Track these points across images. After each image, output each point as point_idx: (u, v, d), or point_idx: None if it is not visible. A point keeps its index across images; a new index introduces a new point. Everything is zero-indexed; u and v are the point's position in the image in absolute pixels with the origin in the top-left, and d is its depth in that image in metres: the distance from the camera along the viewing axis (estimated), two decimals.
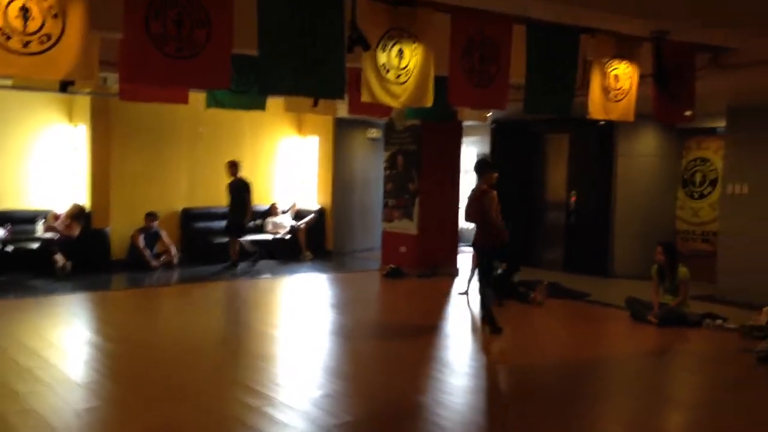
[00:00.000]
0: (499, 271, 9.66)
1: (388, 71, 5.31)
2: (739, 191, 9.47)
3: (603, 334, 8.04)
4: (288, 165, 13.77)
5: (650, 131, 11.10)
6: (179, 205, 12.27)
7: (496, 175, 7.75)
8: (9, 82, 8.34)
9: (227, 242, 11.71)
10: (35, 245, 10.54)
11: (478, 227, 7.72)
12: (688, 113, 6.90)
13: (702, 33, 5.64)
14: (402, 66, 5.36)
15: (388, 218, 11.73)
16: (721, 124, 10.12)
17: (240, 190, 11.51)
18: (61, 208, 11.27)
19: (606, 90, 6.30)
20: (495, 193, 7.59)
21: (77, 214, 11.02)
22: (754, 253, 8.99)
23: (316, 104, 7.55)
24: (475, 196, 7.64)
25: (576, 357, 6.82)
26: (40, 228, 10.81)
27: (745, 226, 9.32)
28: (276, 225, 12.95)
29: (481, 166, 7.83)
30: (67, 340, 7.07)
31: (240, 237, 11.71)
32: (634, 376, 6.39)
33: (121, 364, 6.27)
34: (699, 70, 6.96)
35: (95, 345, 6.79)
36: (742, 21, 5.38)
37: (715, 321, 7.87)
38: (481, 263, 7.85)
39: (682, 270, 8.07)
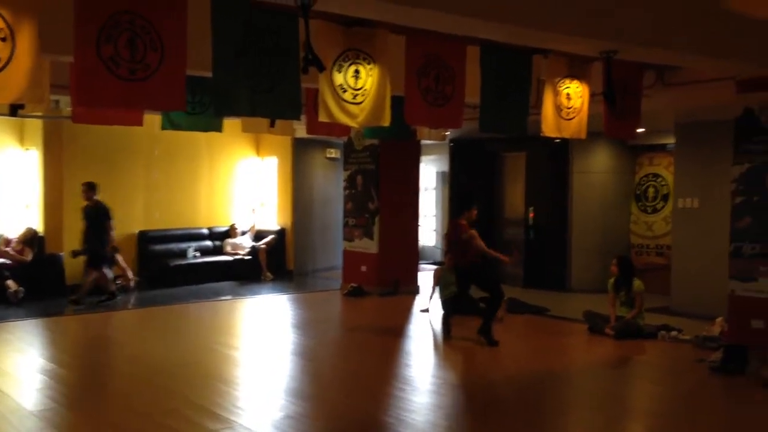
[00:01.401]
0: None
1: (344, 91, 5.35)
2: (690, 205, 9.72)
3: (562, 347, 8.14)
4: (247, 186, 13.69)
5: (604, 148, 11.35)
6: (135, 228, 12.09)
7: (475, 211, 8.01)
8: None
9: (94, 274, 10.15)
10: None
11: (456, 252, 8.07)
12: (638, 130, 7.10)
13: (648, 52, 5.81)
14: (358, 86, 5.40)
15: (348, 237, 11.73)
16: (670, 140, 10.40)
17: (98, 215, 10.05)
18: (13, 233, 10.99)
19: (558, 108, 6.43)
20: (474, 232, 7.91)
21: (30, 238, 10.77)
22: (706, 265, 9.22)
23: (273, 125, 7.54)
24: (455, 230, 8.00)
25: (536, 371, 6.89)
26: None
27: (696, 239, 9.56)
28: (235, 246, 12.85)
29: (464, 201, 8.10)
30: (20, 367, 6.86)
31: (100, 267, 10.14)
32: (594, 388, 6.49)
33: (77, 392, 6.12)
34: (646, 88, 7.18)
35: (50, 372, 6.61)
36: (684, 42, 5.57)
37: (670, 332, 8.04)
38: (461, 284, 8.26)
39: (637, 283, 8.24)
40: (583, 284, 11.23)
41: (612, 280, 8.38)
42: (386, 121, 5.62)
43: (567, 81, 6.44)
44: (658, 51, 5.66)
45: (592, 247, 11.35)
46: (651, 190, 11.30)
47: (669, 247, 10.48)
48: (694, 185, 9.65)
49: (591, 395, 6.28)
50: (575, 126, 6.58)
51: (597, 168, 11.49)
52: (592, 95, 6.62)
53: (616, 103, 6.27)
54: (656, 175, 11.25)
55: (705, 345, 7.44)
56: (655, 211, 11.25)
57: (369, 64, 5.44)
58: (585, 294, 10.75)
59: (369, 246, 11.31)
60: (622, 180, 11.54)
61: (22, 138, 11.49)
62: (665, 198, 11.04)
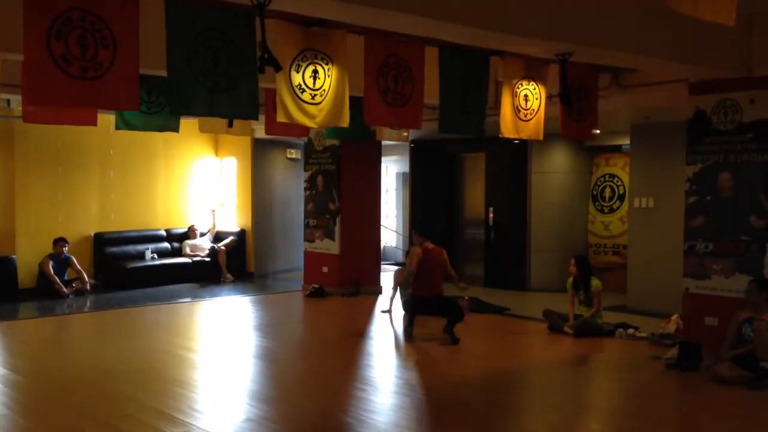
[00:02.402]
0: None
1: (303, 92, 5.32)
2: (645, 205, 9.91)
3: (522, 346, 8.23)
4: (205, 186, 13.52)
5: (562, 149, 11.50)
6: (91, 230, 11.85)
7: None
8: None
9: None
10: None
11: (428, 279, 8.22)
12: (594, 131, 7.20)
13: (603, 54, 5.91)
14: (317, 87, 5.37)
15: (309, 238, 11.67)
16: (626, 141, 10.59)
17: None
18: None
19: (516, 110, 6.50)
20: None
21: None
22: (661, 263, 9.41)
23: (231, 125, 7.47)
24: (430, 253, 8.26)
25: (497, 369, 6.94)
26: None
27: (652, 238, 9.75)
28: (194, 247, 12.68)
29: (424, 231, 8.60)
30: None
31: None
32: (553, 385, 6.56)
33: (32, 398, 5.95)
34: (602, 89, 7.30)
35: (2, 378, 6.42)
36: (637, 45, 5.68)
37: (627, 330, 8.17)
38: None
39: (595, 282, 8.36)
40: (542, 283, 11.37)
41: (570, 280, 8.48)
42: (345, 122, 5.61)
43: (524, 82, 6.51)
44: (613, 53, 5.77)
45: (550, 246, 11.49)
46: (608, 190, 11.49)
47: (626, 247, 10.66)
48: (649, 185, 9.84)
49: (550, 393, 6.35)
50: (533, 127, 6.66)
51: (555, 168, 11.64)
52: (549, 97, 6.71)
53: (572, 104, 6.36)
54: (612, 176, 11.45)
55: (661, 342, 7.59)
56: (611, 210, 11.44)
57: (327, 64, 5.42)
58: (544, 293, 10.88)
59: (330, 247, 11.27)
60: (580, 180, 11.71)
61: None
62: (621, 198, 11.24)
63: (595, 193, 11.63)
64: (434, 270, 8.17)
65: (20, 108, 7.96)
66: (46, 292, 10.65)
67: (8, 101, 9.05)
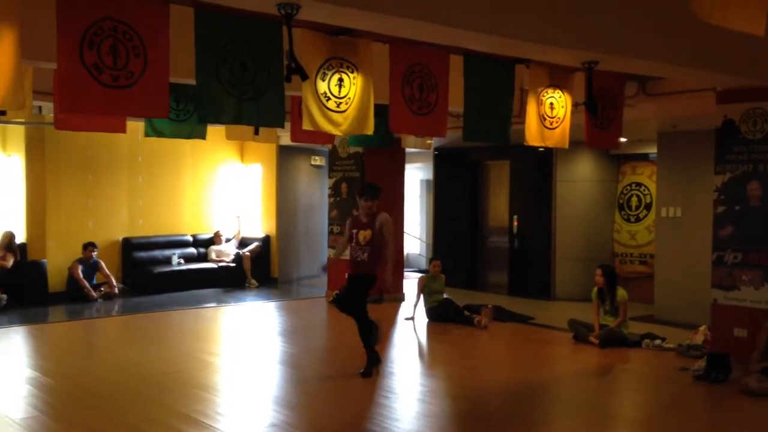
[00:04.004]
0: (445, 296, 9.76)
1: (328, 100, 5.36)
2: (672, 214, 9.81)
3: (547, 355, 8.16)
4: (231, 192, 13.65)
5: (587, 157, 11.43)
6: (119, 235, 12.02)
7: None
8: None
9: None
10: None
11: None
12: (619, 140, 7.15)
13: (629, 63, 5.87)
14: (342, 95, 5.41)
15: (333, 245, 11.71)
16: (653, 149, 10.50)
17: None
18: None
19: (542, 118, 6.48)
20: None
21: (9, 243, 10.63)
22: (689, 273, 9.30)
23: (257, 132, 7.54)
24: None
25: (521, 379, 6.90)
26: None
27: (679, 248, 9.65)
28: (220, 253, 12.80)
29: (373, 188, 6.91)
30: (2, 375, 6.79)
31: None
32: (578, 396, 6.50)
33: (61, 400, 6.05)
34: (628, 98, 7.25)
35: (33, 380, 6.54)
36: (664, 53, 5.64)
37: (654, 341, 8.08)
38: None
39: (621, 292, 8.28)
40: (567, 293, 11.29)
41: (595, 289, 8.41)
42: (370, 130, 5.64)
43: (550, 90, 6.49)
44: (639, 62, 5.73)
45: (575, 255, 11.40)
46: (634, 199, 11.38)
47: (652, 256, 10.55)
48: (677, 194, 9.74)
49: (575, 404, 6.30)
50: (558, 135, 6.63)
51: (580, 177, 11.56)
52: (574, 105, 6.68)
53: (597, 113, 6.33)
54: (639, 184, 11.34)
55: (688, 353, 7.49)
56: (638, 220, 11.33)
57: (352, 72, 5.46)
58: (569, 302, 10.81)
59: None
60: (606, 189, 11.62)
61: (4, 143, 11.41)
62: (648, 207, 11.12)
63: (621, 201, 11.53)
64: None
65: (52, 115, 8.13)
66: (75, 296, 10.82)
67: (40, 108, 9.23)
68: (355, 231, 6.67)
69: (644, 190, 11.24)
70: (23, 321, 9.38)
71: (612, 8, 5.26)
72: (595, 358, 7.78)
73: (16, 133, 11.08)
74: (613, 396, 6.68)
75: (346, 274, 6.85)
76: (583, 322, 8.49)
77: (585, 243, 11.44)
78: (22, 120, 9.69)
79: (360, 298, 6.67)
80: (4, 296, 10.01)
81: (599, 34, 5.26)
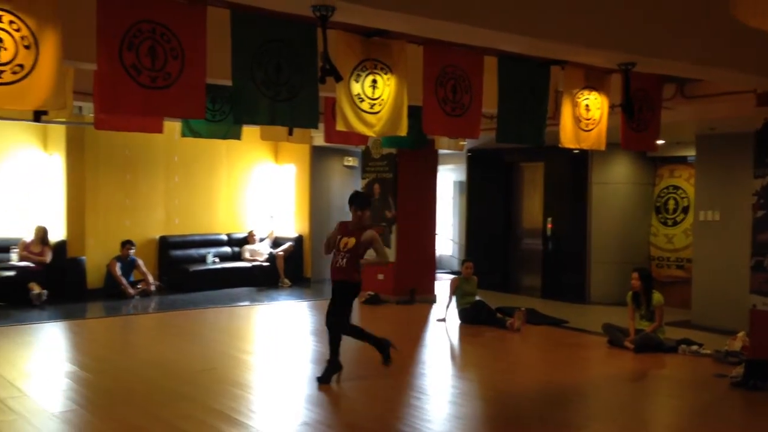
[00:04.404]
0: (477, 298, 9.72)
1: (362, 101, 5.38)
2: (710, 218, 9.63)
3: (580, 360, 8.07)
4: (265, 192, 13.77)
5: (624, 159, 11.28)
6: (156, 233, 12.21)
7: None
8: None
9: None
10: (10, 273, 10.38)
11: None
12: (656, 142, 7.05)
13: (667, 65, 5.78)
14: (375, 96, 5.43)
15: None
16: (691, 152, 10.32)
17: None
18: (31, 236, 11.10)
19: (577, 119, 6.42)
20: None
21: (43, 236, 10.85)
22: (728, 278, 9.12)
23: (291, 133, 7.61)
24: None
25: (554, 382, 6.84)
26: (15, 257, 10.67)
27: (717, 252, 9.46)
28: (254, 252, 12.93)
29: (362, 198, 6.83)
30: (42, 369, 6.96)
31: None
32: (612, 401, 6.42)
33: (98, 394, 6.18)
34: (666, 100, 7.14)
35: (71, 374, 6.69)
36: (703, 55, 5.54)
37: (691, 347, 7.94)
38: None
39: (657, 296, 8.16)
40: (602, 296, 11.15)
41: (630, 293, 8.29)
42: (403, 131, 5.65)
43: (585, 92, 6.43)
44: (676, 64, 5.64)
45: (611, 258, 11.26)
46: (671, 202, 11.20)
47: (689, 261, 10.37)
48: (715, 198, 9.56)
49: (608, 408, 6.22)
50: (594, 137, 6.56)
51: (616, 179, 11.41)
52: (611, 107, 6.60)
53: (634, 115, 6.24)
54: (677, 187, 11.16)
55: (726, 360, 7.35)
56: (675, 223, 11.15)
57: (386, 74, 5.47)
58: (604, 306, 10.68)
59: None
60: (642, 191, 11.45)
61: (46, 143, 11.67)
62: (686, 210, 10.94)
63: (658, 204, 11.36)
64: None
65: (92, 115, 8.30)
66: (112, 293, 11.04)
67: (80, 108, 9.41)
68: (339, 237, 6.55)
69: (682, 193, 11.06)
70: (63, 316, 9.59)
71: (649, 9, 5.19)
72: (630, 363, 7.67)
73: (58, 132, 11.33)
74: (648, 401, 6.58)
75: (331, 281, 6.70)
76: (618, 327, 8.38)
77: (621, 246, 11.29)
78: (63, 120, 9.91)
79: (344, 309, 6.56)
80: (45, 292, 10.25)
81: (636, 36, 5.18)
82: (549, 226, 11.94)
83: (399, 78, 5.52)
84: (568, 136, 6.41)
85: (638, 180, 11.46)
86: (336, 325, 6.56)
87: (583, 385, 6.94)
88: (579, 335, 9.09)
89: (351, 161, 13.90)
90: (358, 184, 12.43)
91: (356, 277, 6.52)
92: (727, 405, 6.25)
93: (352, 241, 6.46)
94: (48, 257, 10.77)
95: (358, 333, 6.77)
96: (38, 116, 6.19)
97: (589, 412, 6.18)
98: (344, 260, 6.46)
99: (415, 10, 4.18)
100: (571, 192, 11.70)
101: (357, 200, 6.65)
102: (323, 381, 6.45)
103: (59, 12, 4.12)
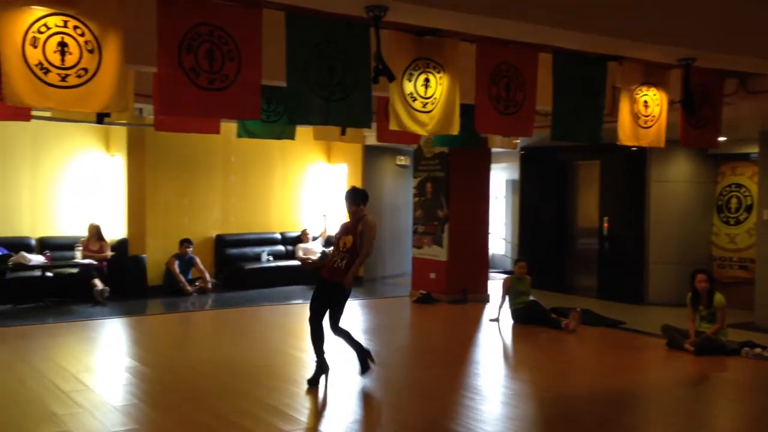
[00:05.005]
0: (531, 298, 9.62)
1: (414, 100, 5.38)
2: None
3: (638, 362, 7.89)
4: (318, 192, 13.91)
5: (683, 157, 10.99)
6: (213, 232, 12.47)
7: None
8: (47, 113, 8.65)
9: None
10: (74, 270, 10.77)
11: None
12: (717, 139, 6.84)
13: (729, 59, 5.60)
14: (428, 95, 5.43)
15: (417, 244, 11.75)
16: (754, 149, 9.98)
17: None
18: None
19: (636, 116, 6.27)
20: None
21: (98, 233, 11.10)
22: None
23: (344, 133, 7.66)
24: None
25: (611, 385, 6.72)
26: (78, 254, 11.05)
27: None
28: (307, 251, 13.06)
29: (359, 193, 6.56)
30: (104, 364, 7.20)
31: None
32: (672, 405, 6.26)
33: (157, 388, 6.36)
34: (728, 95, 6.92)
35: (132, 369, 6.89)
36: (765, 49, 5.35)
37: (754, 349, 7.69)
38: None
39: (718, 297, 7.91)
40: (660, 297, 10.88)
41: (690, 294, 8.06)
42: (455, 130, 5.62)
43: (644, 88, 6.28)
44: (738, 58, 5.46)
45: (670, 258, 10.98)
46: (734, 200, 10.85)
47: (753, 261, 10.04)
48: None
49: (667, 412, 6.07)
50: (653, 134, 6.41)
51: (676, 177, 11.12)
52: (670, 103, 6.43)
53: (694, 111, 6.07)
54: (739, 185, 10.80)
55: None
56: (738, 222, 10.80)
57: (439, 72, 5.46)
58: (663, 307, 10.42)
59: (438, 253, 11.29)
60: (703, 190, 11.13)
61: (108, 144, 12.05)
62: (749, 209, 10.58)
63: (720, 203, 11.02)
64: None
65: (152, 117, 8.52)
66: (171, 290, 11.32)
67: (140, 110, 9.68)
68: (339, 237, 6.40)
69: (745, 191, 10.70)
70: (124, 313, 9.90)
71: (711, 2, 5.04)
72: (690, 365, 7.47)
73: (119, 134, 11.68)
74: (708, 405, 6.40)
75: (321, 273, 6.55)
76: (677, 328, 8.17)
77: (680, 246, 11.00)
78: (125, 121, 10.22)
79: (339, 315, 6.44)
80: (108, 288, 10.58)
81: (697, 30, 5.05)
82: (605, 225, 11.72)
83: (451, 76, 5.51)
84: (626, 133, 6.27)
85: (699, 178, 11.14)
86: (336, 330, 6.49)
87: (642, 388, 6.78)
88: (637, 337, 8.89)
89: (403, 160, 13.91)
90: (410, 183, 12.45)
91: (350, 283, 6.32)
92: None
93: (349, 239, 6.32)
94: (107, 252, 11.09)
95: (346, 336, 6.63)
96: (101, 118, 6.38)
97: (648, 416, 6.04)
98: (343, 262, 6.29)
99: (467, 8, 4.16)
100: (628, 191, 11.45)
101: (348, 197, 6.44)
102: (312, 383, 6.33)
103: (123, 17, 4.25)
